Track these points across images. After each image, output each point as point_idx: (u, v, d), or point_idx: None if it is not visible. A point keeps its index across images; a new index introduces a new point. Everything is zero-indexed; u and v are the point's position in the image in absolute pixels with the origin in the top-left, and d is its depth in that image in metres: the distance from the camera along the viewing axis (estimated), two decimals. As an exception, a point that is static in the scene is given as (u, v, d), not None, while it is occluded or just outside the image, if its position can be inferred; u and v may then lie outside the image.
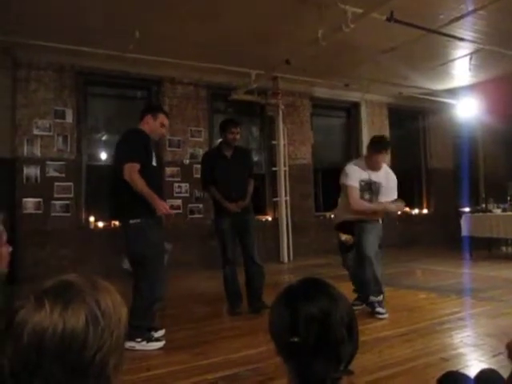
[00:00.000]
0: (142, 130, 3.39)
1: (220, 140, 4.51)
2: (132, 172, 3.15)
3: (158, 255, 3.29)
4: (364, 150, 8.91)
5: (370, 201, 3.94)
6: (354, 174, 3.89)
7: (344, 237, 4.05)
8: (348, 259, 4.15)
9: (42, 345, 0.64)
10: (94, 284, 0.73)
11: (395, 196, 4.03)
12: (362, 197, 3.92)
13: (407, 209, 10.03)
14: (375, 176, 3.92)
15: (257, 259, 4.21)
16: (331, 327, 0.94)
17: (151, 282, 3.22)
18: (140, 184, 3.15)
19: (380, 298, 3.91)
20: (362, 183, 3.92)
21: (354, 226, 4.00)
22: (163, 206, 3.21)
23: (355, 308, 3.87)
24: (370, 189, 3.93)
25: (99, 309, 0.69)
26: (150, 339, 3.20)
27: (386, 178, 3.99)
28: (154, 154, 3.37)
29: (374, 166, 3.90)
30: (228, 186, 4.20)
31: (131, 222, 3.19)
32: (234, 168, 4.28)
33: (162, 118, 3.48)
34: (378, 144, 3.88)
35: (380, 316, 3.82)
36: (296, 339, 0.93)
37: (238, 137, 4.32)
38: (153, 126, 3.42)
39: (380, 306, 3.88)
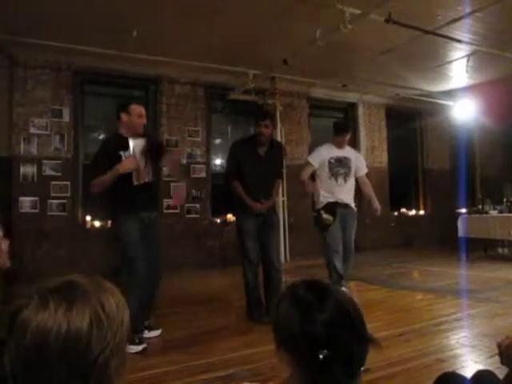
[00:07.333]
0: (109, 138, 3.49)
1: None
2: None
3: (134, 256, 3.18)
4: (361, 151, 8.98)
5: (346, 174, 4.58)
6: (319, 155, 4.61)
7: (326, 216, 4.55)
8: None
9: (46, 345, 0.63)
10: (99, 285, 0.72)
11: (366, 170, 4.84)
12: (336, 172, 4.55)
13: (404, 209, 10.08)
14: (342, 152, 4.61)
15: (277, 264, 3.99)
16: (353, 330, 0.95)
17: (132, 282, 3.16)
18: (97, 182, 3.18)
19: None
20: (332, 160, 4.55)
21: (336, 208, 4.57)
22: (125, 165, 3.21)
23: None
24: (342, 163, 4.57)
25: (103, 310, 0.68)
26: (131, 341, 3.07)
27: (355, 155, 4.78)
28: (124, 157, 3.26)
29: (339, 146, 4.60)
30: (254, 186, 3.92)
31: (110, 222, 3.27)
32: (264, 167, 4.00)
33: (134, 108, 3.33)
34: (342, 127, 4.71)
35: None
36: (326, 352, 0.90)
37: (266, 131, 3.96)
38: (129, 121, 3.31)
39: None
